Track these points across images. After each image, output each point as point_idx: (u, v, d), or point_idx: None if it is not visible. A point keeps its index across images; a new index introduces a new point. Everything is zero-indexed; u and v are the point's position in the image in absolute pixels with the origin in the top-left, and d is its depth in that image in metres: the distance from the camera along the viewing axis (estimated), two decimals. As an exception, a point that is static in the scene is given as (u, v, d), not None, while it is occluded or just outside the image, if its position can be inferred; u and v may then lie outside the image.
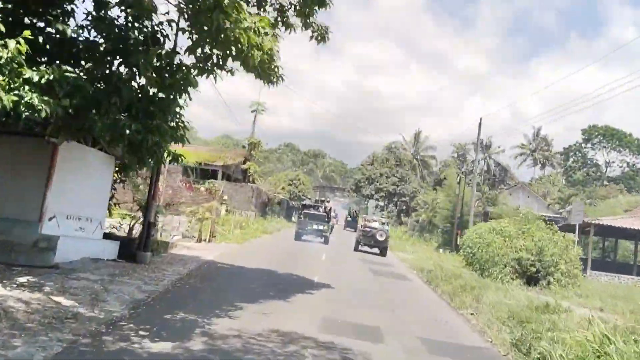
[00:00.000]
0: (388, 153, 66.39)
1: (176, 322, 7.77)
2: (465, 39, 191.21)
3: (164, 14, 9.68)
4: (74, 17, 9.85)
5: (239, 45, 8.39)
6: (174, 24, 10.10)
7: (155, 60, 9.12)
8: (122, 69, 9.40)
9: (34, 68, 7.19)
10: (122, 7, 9.31)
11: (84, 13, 9.42)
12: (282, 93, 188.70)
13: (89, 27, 9.39)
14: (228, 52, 8.91)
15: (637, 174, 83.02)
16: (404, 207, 61.58)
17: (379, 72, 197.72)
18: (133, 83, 9.38)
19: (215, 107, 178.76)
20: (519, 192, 59.45)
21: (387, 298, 13.81)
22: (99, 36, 9.51)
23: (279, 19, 10.87)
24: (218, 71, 9.68)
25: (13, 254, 10.02)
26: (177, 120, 10.00)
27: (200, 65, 9.51)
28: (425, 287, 17.35)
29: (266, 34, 8.90)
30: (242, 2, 8.35)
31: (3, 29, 6.72)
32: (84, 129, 9.18)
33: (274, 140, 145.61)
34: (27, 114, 7.13)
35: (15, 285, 8.20)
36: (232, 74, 10.13)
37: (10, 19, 8.23)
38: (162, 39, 9.71)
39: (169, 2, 9.79)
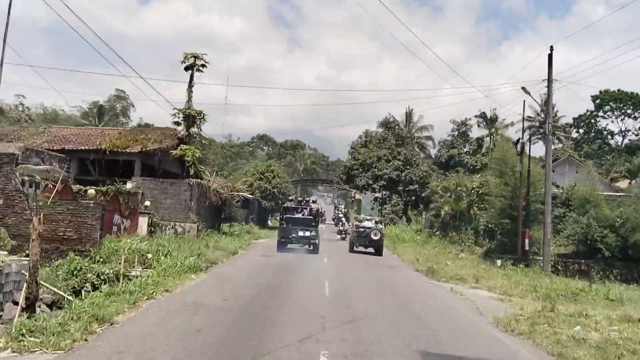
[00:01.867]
0: (385, 130, 51.62)
1: None
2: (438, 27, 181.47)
3: None
4: None
5: None
6: None
7: None
8: None
9: None
10: None
11: None
12: (258, 93, 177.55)
13: None
14: None
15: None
16: (413, 198, 46.97)
17: (352, 66, 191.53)
18: None
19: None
20: (564, 166, 45.23)
21: None
22: None
23: None
24: None
25: None
26: None
27: None
28: None
29: None
30: None
31: None
32: None
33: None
34: None
35: None
36: None
37: None
38: None
39: None
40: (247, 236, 31.69)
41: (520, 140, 24.16)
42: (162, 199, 24.74)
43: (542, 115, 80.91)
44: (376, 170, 47.59)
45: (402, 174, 47.43)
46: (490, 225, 29.00)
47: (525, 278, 19.45)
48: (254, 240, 32.30)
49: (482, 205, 30.91)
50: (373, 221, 30.24)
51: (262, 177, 46.24)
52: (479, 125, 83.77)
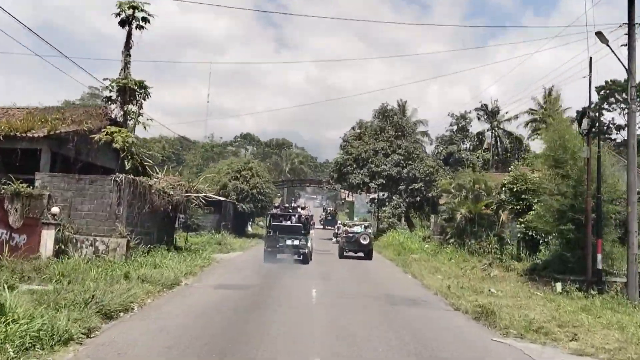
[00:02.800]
0: (382, 120, 44.30)
1: None
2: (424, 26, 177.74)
3: None
4: None
5: None
6: None
7: None
8: None
9: None
10: None
11: None
12: (247, 97, 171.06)
13: None
14: None
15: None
16: (417, 199, 39.83)
17: (339, 66, 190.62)
18: None
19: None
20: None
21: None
22: None
23: None
24: None
25: None
26: None
27: None
28: None
29: None
30: None
31: None
32: None
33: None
34: None
35: None
36: None
37: None
38: None
39: None
40: (208, 250, 24.18)
41: (588, 113, 16.92)
42: (79, 204, 17.12)
43: (545, 108, 74.23)
44: (373, 166, 40.35)
45: (404, 171, 40.26)
46: (531, 233, 21.84)
47: (615, 315, 12.37)
48: (221, 256, 24.79)
49: (517, 207, 23.72)
50: (362, 226, 30.54)
51: (239, 176, 38.76)
52: (479, 119, 77.30)
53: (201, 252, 22.27)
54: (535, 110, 77.51)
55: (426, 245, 33.53)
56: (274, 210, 26.37)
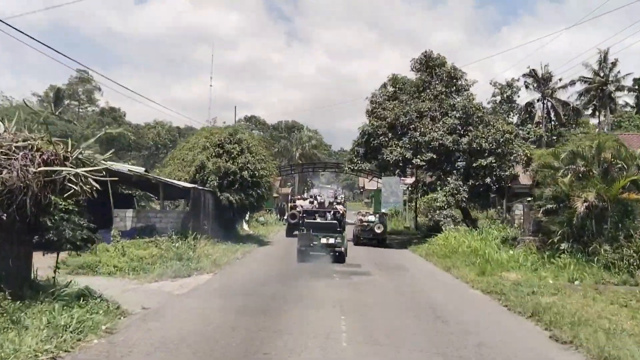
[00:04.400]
0: (424, 72, 31.10)
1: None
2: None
3: None
4: None
5: None
6: None
7: None
8: None
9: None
10: None
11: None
12: (260, 88, 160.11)
13: None
14: None
15: None
16: (487, 181, 26.82)
17: (352, 56, 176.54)
18: None
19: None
20: None
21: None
22: None
23: None
24: None
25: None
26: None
27: None
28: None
29: None
30: None
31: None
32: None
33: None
34: None
35: None
36: None
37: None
38: None
39: None
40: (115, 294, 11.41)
41: None
42: None
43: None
44: (417, 134, 27.54)
45: (463, 140, 27.47)
46: None
47: None
48: (148, 303, 12.25)
49: None
50: (376, 215, 31.44)
51: (222, 151, 26.28)
52: (527, 87, 64.29)
53: (91, 301, 9.69)
54: (588, 78, 64.36)
55: (511, 252, 20.73)
56: (300, 202, 26.75)
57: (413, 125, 27.87)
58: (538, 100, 58.50)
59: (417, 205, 41.09)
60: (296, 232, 30.49)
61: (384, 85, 31.66)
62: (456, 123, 28.29)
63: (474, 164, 27.14)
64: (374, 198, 66.66)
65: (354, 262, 21.14)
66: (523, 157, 26.74)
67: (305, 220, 23.46)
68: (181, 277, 16.11)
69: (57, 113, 69.02)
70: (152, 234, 21.72)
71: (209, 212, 26.33)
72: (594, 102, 62.51)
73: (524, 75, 66.40)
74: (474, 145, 27.21)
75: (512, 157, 26.72)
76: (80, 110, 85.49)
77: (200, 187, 24.58)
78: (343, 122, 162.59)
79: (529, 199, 24.04)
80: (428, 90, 29.95)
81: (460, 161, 27.98)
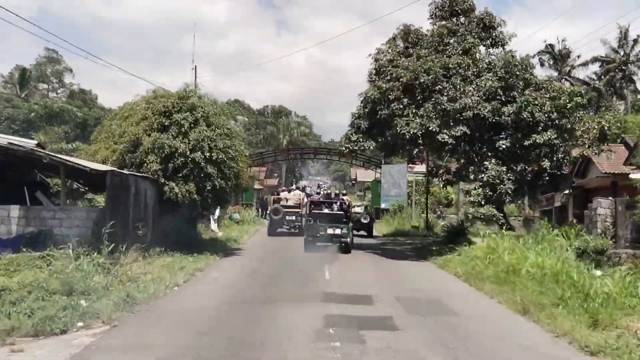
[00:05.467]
0: (448, 20, 23.14)
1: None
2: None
3: None
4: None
5: None
6: None
7: None
8: None
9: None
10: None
11: None
12: (246, 77, 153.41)
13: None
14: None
15: None
16: (544, 168, 18.98)
17: (341, 47, 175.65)
18: None
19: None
20: None
21: None
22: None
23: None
24: None
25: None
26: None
27: None
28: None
29: None
30: None
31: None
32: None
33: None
34: None
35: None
36: None
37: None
38: None
39: None
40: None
41: None
42: None
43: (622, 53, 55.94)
44: (444, 98, 19.63)
45: (505, 110, 19.69)
46: None
47: None
48: None
49: None
50: (362, 207, 35.52)
51: (169, 123, 18.19)
52: (542, 65, 57.98)
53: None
54: (606, 57, 57.92)
55: (612, 277, 12.89)
56: (283, 195, 29.62)
57: (439, 86, 19.87)
58: (554, 79, 51.53)
59: (427, 199, 33.30)
60: (279, 230, 28.63)
61: (393, 39, 23.56)
62: (495, 86, 20.38)
63: (526, 142, 19.20)
64: (369, 190, 58.35)
65: (360, 290, 13.16)
66: (595, 131, 18.92)
67: (312, 211, 23.95)
68: (45, 335, 8.51)
69: (22, 95, 62.93)
70: (46, 245, 13.72)
71: (149, 209, 18.13)
72: (613, 83, 55.91)
73: (539, 52, 58.91)
74: (525, 115, 19.29)
75: (580, 132, 18.84)
76: (52, 93, 76.56)
77: (128, 172, 16.39)
78: (333, 116, 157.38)
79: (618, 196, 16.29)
80: (455, 44, 22.00)
81: (503, 138, 20.03)
